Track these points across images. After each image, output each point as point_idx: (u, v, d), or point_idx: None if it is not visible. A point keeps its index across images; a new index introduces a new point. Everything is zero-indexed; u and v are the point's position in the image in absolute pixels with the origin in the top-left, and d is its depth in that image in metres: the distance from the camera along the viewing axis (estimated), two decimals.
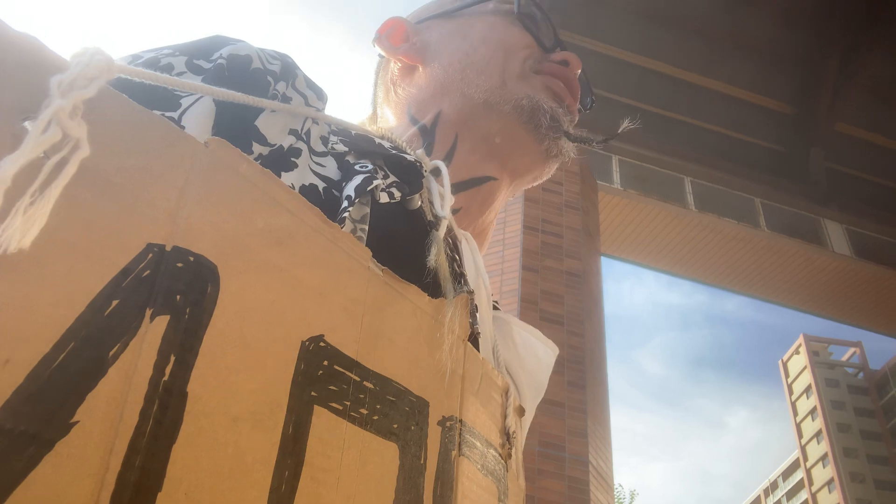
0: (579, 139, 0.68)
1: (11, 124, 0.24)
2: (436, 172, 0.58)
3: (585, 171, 6.33)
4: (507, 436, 0.49)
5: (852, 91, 7.90)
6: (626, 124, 0.72)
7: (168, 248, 0.28)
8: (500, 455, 0.48)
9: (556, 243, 5.68)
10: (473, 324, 0.48)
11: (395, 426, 0.38)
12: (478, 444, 0.45)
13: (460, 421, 0.43)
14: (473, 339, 0.47)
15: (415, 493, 0.38)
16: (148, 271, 0.27)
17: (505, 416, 0.50)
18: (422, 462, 0.39)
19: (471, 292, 0.50)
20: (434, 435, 0.41)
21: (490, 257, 5.58)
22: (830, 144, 8.09)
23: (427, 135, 0.68)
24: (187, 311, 0.28)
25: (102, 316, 0.25)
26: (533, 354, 0.60)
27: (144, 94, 0.41)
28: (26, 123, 0.24)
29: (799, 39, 7.84)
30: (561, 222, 5.81)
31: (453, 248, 0.57)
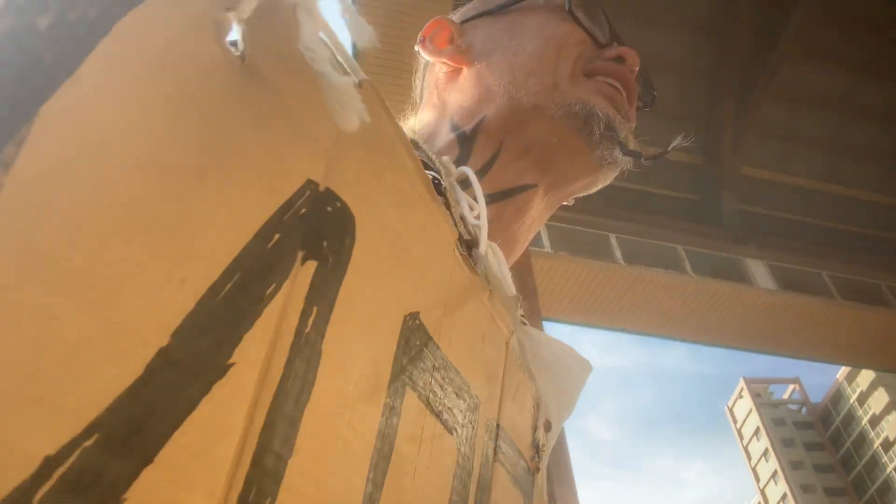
0: (631, 153, 0.63)
1: (215, 13, 0.22)
2: (464, 182, 0.54)
3: None
4: (536, 449, 0.47)
5: (750, 136, 8.41)
6: (677, 141, 0.68)
7: (321, 189, 0.25)
8: (528, 468, 0.46)
9: None
10: (516, 327, 0.45)
11: (458, 421, 0.35)
12: (511, 452, 0.43)
13: (498, 425, 0.41)
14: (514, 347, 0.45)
15: (463, 494, 0.35)
16: (304, 209, 0.24)
17: (535, 429, 0.48)
18: (471, 462, 0.37)
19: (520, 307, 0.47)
20: (481, 436, 0.38)
21: None
22: (739, 187, 8.53)
23: (465, 142, 0.63)
24: (330, 260, 0.25)
25: (265, 249, 0.22)
26: (566, 372, 0.55)
27: None
28: (230, 13, 0.22)
29: (696, 95, 8.33)
30: None
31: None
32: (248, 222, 0.22)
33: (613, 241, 7.78)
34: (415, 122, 0.72)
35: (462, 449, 0.35)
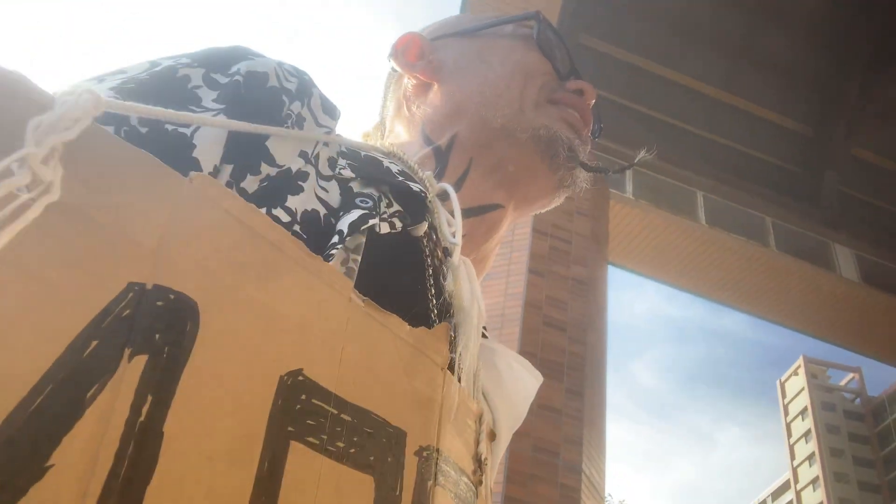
0: (596, 169, 0.68)
1: None
2: (443, 196, 0.57)
3: (599, 178, 6.30)
4: (478, 462, 0.49)
5: (870, 116, 7.85)
6: (642, 154, 0.71)
7: (149, 287, 0.28)
8: (471, 482, 0.48)
9: (565, 249, 5.67)
10: (452, 353, 0.48)
11: (372, 458, 0.37)
12: (452, 472, 0.45)
13: (437, 450, 0.43)
14: (451, 368, 0.47)
15: None
16: (128, 311, 0.26)
17: (478, 443, 0.50)
18: (397, 494, 0.39)
19: (454, 324, 0.49)
20: (411, 466, 0.40)
21: (497, 258, 5.55)
22: (845, 168, 8.03)
23: (441, 157, 0.67)
24: (166, 350, 0.28)
25: (81, 357, 0.25)
26: (515, 384, 0.59)
27: (161, 104, 0.40)
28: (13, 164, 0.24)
29: (820, 61, 7.78)
30: (571, 228, 5.79)
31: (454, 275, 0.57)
32: (57, 339, 0.25)
33: (700, 199, 7.54)
34: (388, 134, 0.76)
35: (383, 482, 0.37)
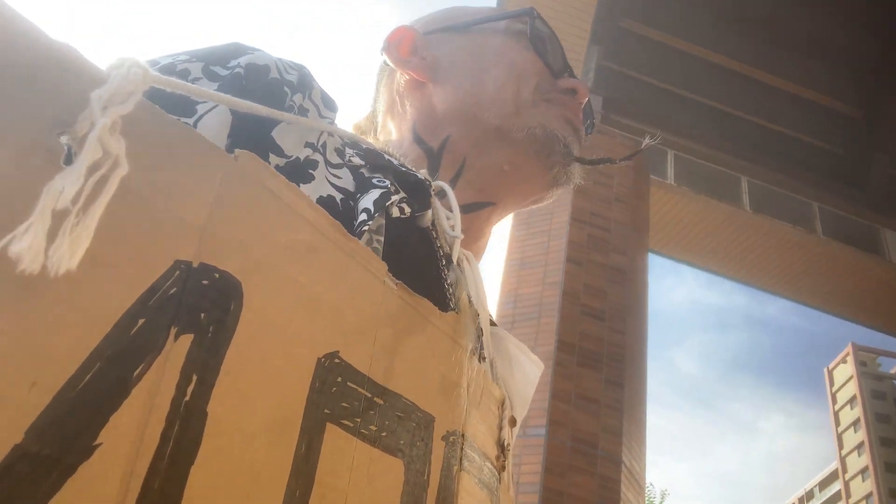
0: (597, 161, 0.69)
1: (47, 138, 0.24)
2: (440, 194, 0.58)
3: (639, 164, 6.22)
4: (501, 448, 0.50)
5: None
6: (647, 141, 0.73)
7: (195, 265, 0.27)
8: (494, 468, 0.48)
9: (603, 237, 5.61)
10: (479, 339, 0.49)
11: (402, 442, 0.38)
12: (476, 457, 0.46)
13: (462, 435, 0.44)
14: (478, 354, 0.48)
15: None
16: (175, 289, 0.26)
17: (500, 428, 0.50)
18: (425, 478, 0.39)
19: (476, 314, 0.50)
20: (438, 450, 0.41)
21: (534, 248, 5.54)
22: (895, 151, 7.80)
23: (433, 159, 0.67)
24: (211, 329, 0.27)
25: (128, 335, 0.25)
26: (521, 370, 0.60)
27: (161, 99, 0.41)
28: (63, 138, 0.24)
29: (869, 42, 7.56)
30: (609, 216, 5.73)
31: (460, 270, 0.57)
32: (105, 317, 0.24)
33: (744, 184, 7.40)
34: (378, 133, 0.76)
35: (412, 467, 0.38)
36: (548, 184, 0.69)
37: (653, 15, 7.38)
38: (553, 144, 0.66)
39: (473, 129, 0.67)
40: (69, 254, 0.22)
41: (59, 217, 0.22)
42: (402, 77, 0.73)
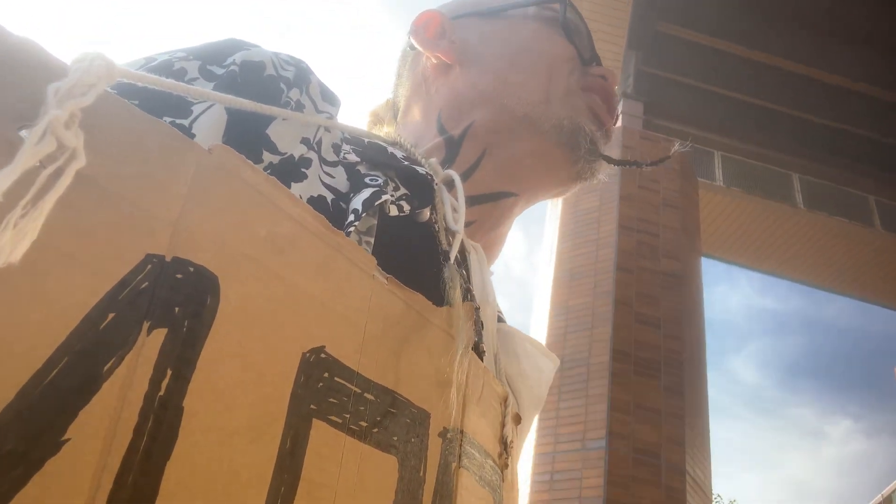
0: (620, 163, 0.68)
1: (7, 132, 0.24)
2: (449, 184, 0.57)
3: (686, 167, 6.12)
4: (504, 445, 0.49)
5: None
6: (676, 147, 0.72)
7: (168, 259, 0.27)
8: (496, 465, 0.48)
9: (653, 243, 5.53)
10: (477, 334, 0.48)
11: (395, 438, 0.37)
12: (476, 454, 0.45)
13: (461, 432, 0.43)
14: (476, 350, 0.47)
15: None
16: (146, 283, 0.26)
17: (503, 425, 0.49)
18: (421, 475, 0.38)
19: (476, 308, 0.49)
20: (434, 447, 0.40)
21: (583, 258, 5.48)
22: None
23: (452, 146, 0.66)
24: (185, 323, 0.27)
25: (98, 330, 0.24)
26: (534, 367, 0.58)
27: (156, 100, 0.40)
28: (23, 132, 0.24)
29: None
30: (658, 221, 5.64)
31: (461, 261, 0.56)
32: (72, 311, 0.24)
33: (796, 181, 7.21)
34: (400, 119, 0.75)
35: (407, 463, 0.37)
36: (571, 177, 0.68)
37: (689, 16, 7.28)
38: (579, 138, 0.65)
39: (499, 115, 0.65)
40: (10, 247, 0.21)
41: (2, 210, 0.21)
42: (428, 60, 0.72)
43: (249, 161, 0.32)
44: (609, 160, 0.67)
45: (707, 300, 5.85)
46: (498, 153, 0.65)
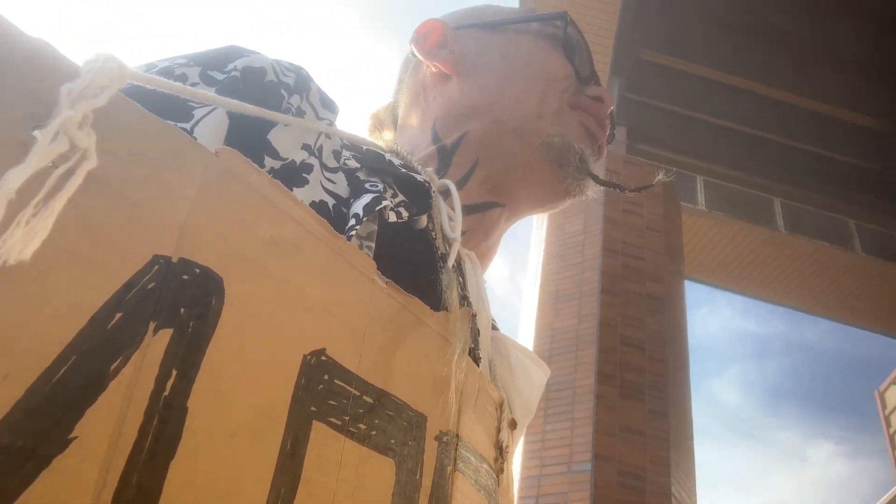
0: (606, 184, 0.68)
1: (20, 133, 0.24)
2: (445, 193, 0.57)
3: (669, 192, 6.18)
4: (500, 450, 0.49)
5: None
6: (660, 176, 0.73)
7: (174, 260, 0.27)
8: (492, 469, 0.48)
9: (638, 266, 5.56)
10: (473, 340, 0.48)
11: (393, 441, 0.37)
12: (472, 458, 0.45)
13: (457, 436, 0.43)
14: (472, 356, 0.47)
15: None
16: (153, 284, 0.26)
17: (499, 430, 0.50)
18: (417, 478, 0.39)
19: (473, 314, 0.49)
20: (430, 450, 0.40)
21: (567, 280, 5.50)
22: None
23: (445, 156, 0.66)
24: (191, 324, 0.27)
25: (105, 329, 0.25)
26: (526, 376, 0.59)
27: (157, 104, 0.41)
28: (36, 132, 0.24)
29: (892, 53, 7.44)
30: (642, 244, 5.68)
31: (458, 269, 0.57)
32: (81, 311, 0.24)
33: (778, 205, 7.30)
34: (400, 124, 0.76)
35: (403, 466, 0.38)
36: (560, 193, 0.68)
37: (672, 44, 7.39)
38: (569, 155, 0.66)
39: (492, 128, 0.66)
40: (22, 244, 0.22)
41: (14, 208, 0.22)
42: (427, 69, 0.73)
43: (255, 164, 0.32)
44: (596, 179, 0.68)
45: (689, 323, 5.87)
46: (488, 164, 0.66)
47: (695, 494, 5.05)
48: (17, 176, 0.22)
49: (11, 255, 0.22)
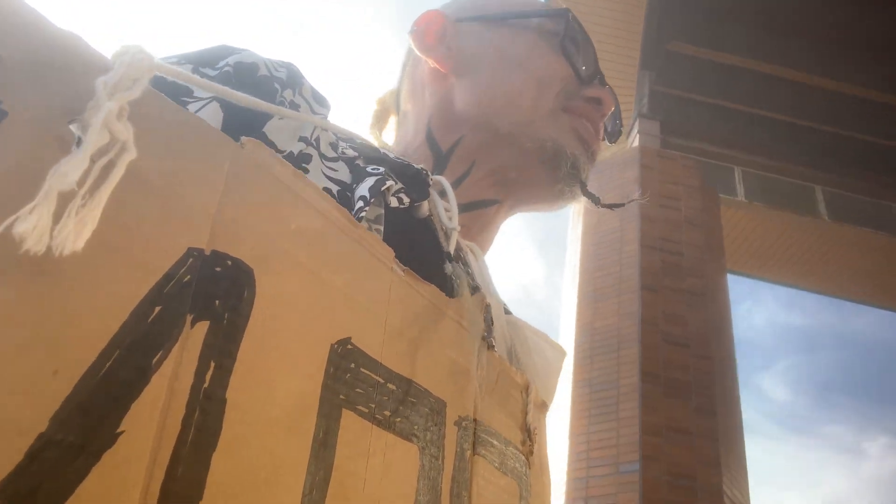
0: (589, 196, 0.69)
1: (57, 126, 0.24)
2: (441, 193, 0.58)
3: (704, 184, 6.09)
4: (528, 433, 0.49)
5: None
6: (636, 197, 0.74)
7: (207, 253, 0.27)
8: (520, 452, 0.48)
9: (677, 262, 5.49)
10: (487, 329, 0.48)
11: (416, 427, 0.38)
12: (495, 442, 0.45)
13: (475, 420, 0.44)
14: (487, 342, 0.48)
15: (433, 494, 0.38)
16: (188, 276, 0.26)
17: (526, 413, 0.50)
18: (440, 462, 0.39)
19: (487, 304, 0.50)
20: (451, 435, 0.41)
21: (606, 279, 5.45)
22: None
23: (440, 160, 0.67)
24: (226, 316, 0.27)
25: (146, 323, 0.25)
26: (543, 358, 0.59)
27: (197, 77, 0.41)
28: (72, 126, 0.24)
29: None
30: (681, 239, 5.60)
31: (464, 261, 0.58)
32: (122, 304, 0.24)
33: (819, 193, 7.14)
34: (400, 112, 0.76)
35: (427, 451, 0.38)
36: (552, 196, 0.69)
37: (700, 34, 7.30)
38: (560, 161, 0.66)
39: (485, 131, 0.67)
40: (74, 235, 0.22)
41: (65, 199, 0.22)
42: (426, 64, 0.72)
43: (278, 156, 0.32)
44: (583, 188, 0.68)
45: (733, 318, 5.77)
46: (485, 166, 0.67)
47: (748, 493, 4.96)
48: (73, 168, 0.22)
49: (66, 245, 0.22)
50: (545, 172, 0.66)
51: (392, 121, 0.79)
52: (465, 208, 0.66)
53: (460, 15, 0.73)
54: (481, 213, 0.68)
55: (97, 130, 0.23)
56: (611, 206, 0.71)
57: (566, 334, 5.52)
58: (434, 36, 0.71)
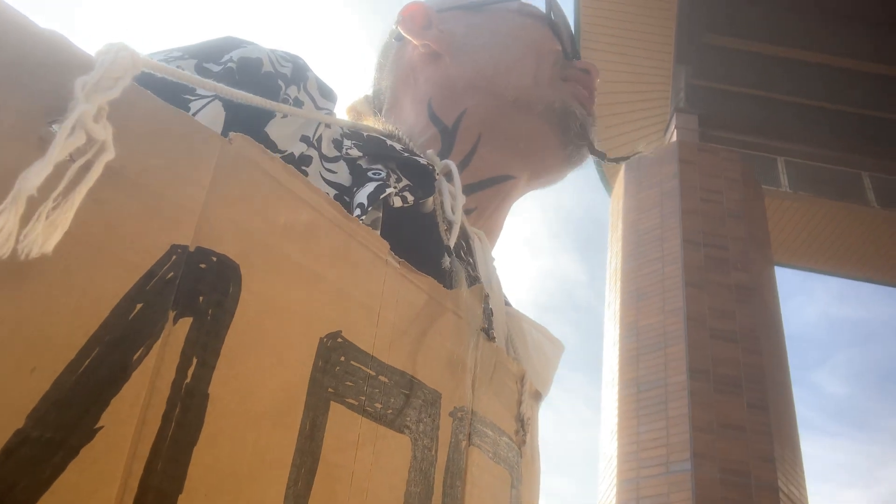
0: (597, 154, 0.69)
1: (38, 127, 0.24)
2: (448, 175, 0.58)
3: (748, 176, 5.97)
4: (521, 422, 0.50)
5: None
6: (640, 149, 0.77)
7: (192, 249, 0.28)
8: (513, 442, 0.48)
9: (721, 256, 5.39)
10: (486, 319, 0.48)
11: (408, 419, 0.38)
12: (489, 432, 0.45)
13: (472, 411, 0.44)
14: (486, 334, 0.48)
15: (426, 484, 0.38)
16: (171, 273, 0.27)
17: (520, 403, 0.50)
18: (433, 453, 0.39)
19: (486, 294, 0.50)
20: (446, 426, 0.41)
21: (648, 277, 5.38)
22: None
23: (447, 136, 0.67)
24: (209, 312, 0.28)
25: (127, 320, 0.25)
26: (541, 352, 0.59)
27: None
28: (53, 126, 0.24)
29: None
30: (725, 233, 5.50)
31: (467, 250, 0.57)
32: (103, 302, 0.25)
33: (867, 179, 6.95)
34: (387, 111, 0.75)
35: (419, 443, 0.38)
36: (562, 160, 0.69)
37: (735, 25, 7.16)
38: (570, 121, 0.67)
39: (491, 101, 0.67)
40: (42, 238, 0.22)
41: (35, 202, 0.22)
42: (415, 50, 0.72)
43: (268, 151, 0.32)
44: (591, 148, 0.69)
45: (784, 314, 5.64)
46: (492, 138, 0.67)
47: (805, 489, 4.83)
48: (37, 173, 0.22)
49: (34, 248, 0.22)
50: (554, 135, 0.67)
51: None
52: (477, 187, 0.66)
53: (441, 6, 0.75)
54: (496, 190, 0.67)
55: (66, 133, 0.23)
56: (616, 160, 0.73)
57: (611, 335, 5.46)
58: (421, 22, 0.72)
